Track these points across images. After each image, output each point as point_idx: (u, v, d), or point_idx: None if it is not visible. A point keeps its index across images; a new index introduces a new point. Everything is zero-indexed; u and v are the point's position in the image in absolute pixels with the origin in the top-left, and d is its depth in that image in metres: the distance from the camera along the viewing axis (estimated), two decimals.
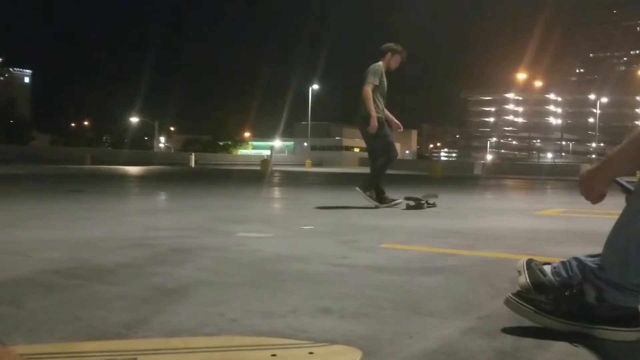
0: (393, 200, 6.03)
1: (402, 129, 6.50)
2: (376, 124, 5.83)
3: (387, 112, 6.20)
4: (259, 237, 3.58)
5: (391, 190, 6.29)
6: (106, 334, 1.51)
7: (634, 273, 1.48)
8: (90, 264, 2.55)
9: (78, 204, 6.16)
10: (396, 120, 6.32)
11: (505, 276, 2.35)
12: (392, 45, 6.22)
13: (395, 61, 6.20)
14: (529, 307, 1.58)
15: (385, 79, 6.13)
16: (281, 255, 2.87)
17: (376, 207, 5.83)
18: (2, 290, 2.01)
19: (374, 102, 5.92)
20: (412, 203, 5.86)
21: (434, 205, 6.10)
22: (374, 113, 5.84)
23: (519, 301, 1.60)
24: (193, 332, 1.55)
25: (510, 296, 1.62)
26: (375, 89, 5.96)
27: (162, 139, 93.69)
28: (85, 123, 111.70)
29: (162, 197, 8.13)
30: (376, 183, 6.04)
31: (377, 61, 6.15)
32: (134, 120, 77.23)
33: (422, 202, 5.90)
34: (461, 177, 21.68)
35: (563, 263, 1.73)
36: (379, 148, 6.08)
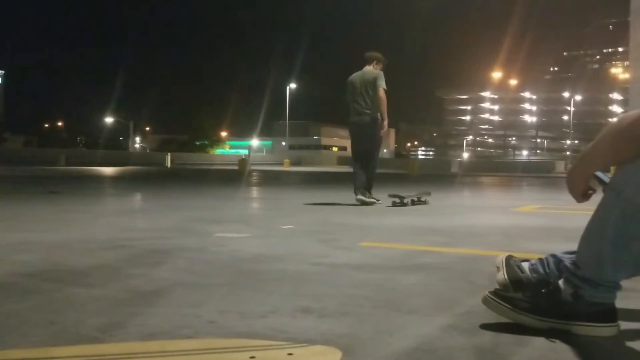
0: (374, 200, 6.28)
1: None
2: (385, 128, 6.31)
3: None
4: (238, 237, 3.56)
5: (376, 187, 6.37)
6: (81, 338, 1.48)
7: (609, 270, 1.49)
8: (65, 266, 2.50)
9: (52, 206, 6.06)
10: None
11: (483, 273, 2.36)
12: (378, 54, 6.60)
13: (379, 68, 6.54)
14: (506, 305, 1.58)
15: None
16: (260, 255, 2.85)
17: (377, 201, 6.19)
18: None
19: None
20: (397, 200, 6.09)
21: (425, 202, 6.42)
22: (386, 122, 6.29)
23: (497, 300, 1.60)
24: (170, 334, 1.52)
25: (487, 295, 1.63)
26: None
27: (138, 139, 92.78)
28: (59, 124, 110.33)
29: (138, 197, 8.05)
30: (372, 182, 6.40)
31: (363, 65, 6.51)
32: (109, 120, 76.29)
33: (406, 199, 6.14)
34: (439, 175, 21.83)
35: (540, 260, 1.75)
36: (375, 148, 6.48)
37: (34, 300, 1.88)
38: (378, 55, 6.56)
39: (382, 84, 6.23)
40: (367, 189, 6.25)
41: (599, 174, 1.51)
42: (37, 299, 1.90)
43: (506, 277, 1.73)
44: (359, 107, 6.31)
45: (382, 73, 6.38)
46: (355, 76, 6.41)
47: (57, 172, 19.72)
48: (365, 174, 6.29)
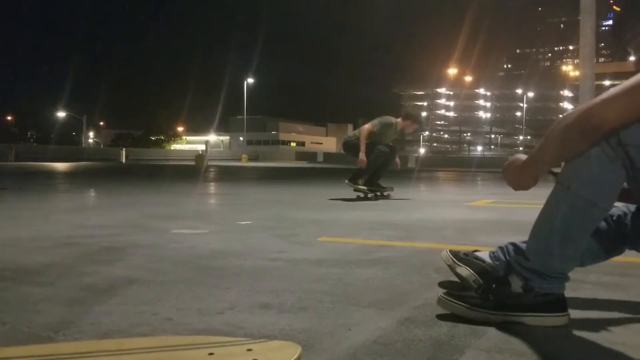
0: (384, 188, 6.66)
1: (399, 168, 7.22)
2: (364, 159, 6.38)
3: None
4: (195, 233, 3.52)
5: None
6: (33, 338, 1.45)
7: (557, 262, 1.54)
8: (16, 264, 2.43)
9: (1, 203, 5.88)
10: (397, 161, 6.95)
11: (439, 266, 2.39)
12: (419, 115, 7.11)
13: (411, 129, 6.79)
14: (460, 303, 1.61)
15: (392, 135, 6.71)
16: (218, 251, 2.83)
17: (369, 194, 6.43)
18: None
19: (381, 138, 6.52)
20: (361, 195, 6.42)
21: (388, 197, 6.68)
22: (362, 153, 6.39)
23: (450, 299, 1.64)
24: (126, 333, 1.50)
25: (441, 295, 1.66)
26: (373, 134, 6.49)
27: (91, 134, 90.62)
28: (9, 118, 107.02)
29: (92, 194, 7.87)
30: (363, 176, 6.58)
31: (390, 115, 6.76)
32: (61, 115, 74.33)
33: (370, 194, 6.44)
34: (396, 170, 22.03)
35: (501, 248, 1.80)
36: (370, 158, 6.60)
37: None
38: (418, 116, 6.99)
39: (372, 123, 6.52)
40: (352, 177, 6.55)
41: (552, 169, 1.55)
42: None
43: (471, 270, 1.77)
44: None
45: (388, 121, 6.56)
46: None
47: (6, 167, 19.14)
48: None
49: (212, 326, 1.56)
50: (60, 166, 21.57)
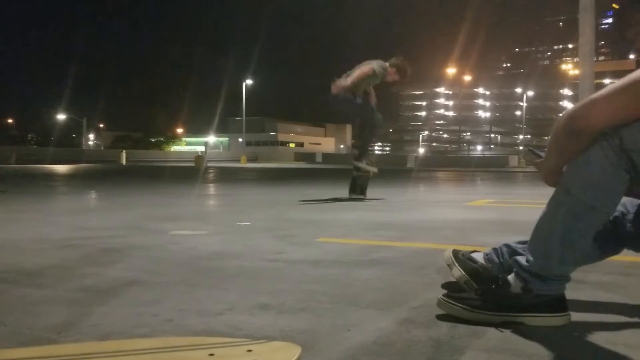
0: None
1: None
2: (341, 86, 5.82)
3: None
4: (194, 234, 3.53)
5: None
6: (34, 340, 1.45)
7: (557, 265, 1.54)
8: (16, 266, 2.43)
9: (1, 205, 5.88)
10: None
11: (437, 266, 2.40)
12: (402, 63, 6.06)
13: (392, 77, 6.05)
14: (460, 305, 1.61)
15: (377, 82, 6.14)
16: (217, 252, 2.83)
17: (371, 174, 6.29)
18: None
19: (363, 86, 5.99)
20: (362, 173, 6.31)
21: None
22: (350, 83, 5.80)
23: (450, 301, 1.63)
24: (126, 334, 1.50)
25: (441, 297, 1.66)
26: (370, 78, 5.93)
27: (91, 136, 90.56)
28: (9, 121, 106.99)
29: (92, 196, 7.87)
30: (364, 153, 6.23)
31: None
32: (61, 117, 74.38)
33: (363, 197, 6.33)
34: (395, 170, 22.03)
35: (495, 249, 1.80)
36: (362, 119, 6.20)
37: None
38: (400, 64, 6.04)
39: (374, 64, 5.85)
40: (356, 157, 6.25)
41: (535, 150, 1.57)
42: None
43: (463, 272, 1.78)
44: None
45: (384, 65, 5.92)
46: None
47: (7, 170, 19.14)
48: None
49: (212, 327, 1.56)
50: (61, 168, 21.57)
